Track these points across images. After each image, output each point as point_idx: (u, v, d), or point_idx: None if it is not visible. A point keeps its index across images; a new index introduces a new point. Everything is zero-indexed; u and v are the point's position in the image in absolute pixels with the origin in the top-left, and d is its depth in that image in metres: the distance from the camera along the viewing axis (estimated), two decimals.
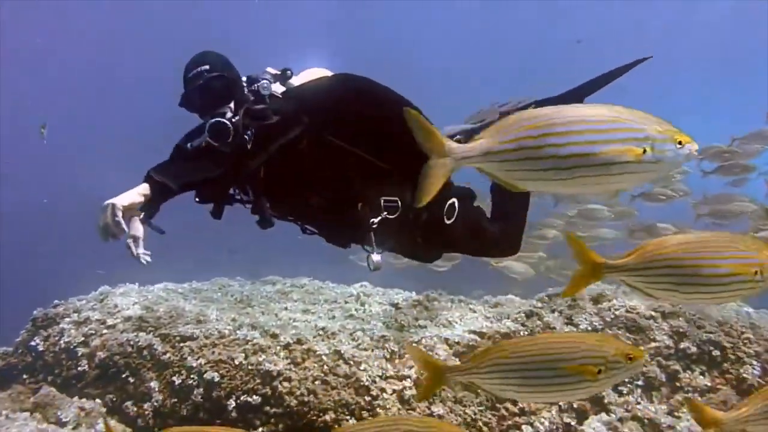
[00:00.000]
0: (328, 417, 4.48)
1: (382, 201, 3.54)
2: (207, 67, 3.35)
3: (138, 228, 3.10)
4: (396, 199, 3.57)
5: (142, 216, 3.18)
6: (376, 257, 3.59)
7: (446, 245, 4.07)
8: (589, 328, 5.00)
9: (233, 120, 3.28)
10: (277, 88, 3.51)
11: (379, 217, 3.52)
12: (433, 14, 26.84)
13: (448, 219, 3.72)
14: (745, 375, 4.56)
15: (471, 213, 3.93)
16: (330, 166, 3.49)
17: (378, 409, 4.50)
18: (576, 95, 4.20)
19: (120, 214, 2.91)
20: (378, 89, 3.60)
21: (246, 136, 3.29)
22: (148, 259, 3.10)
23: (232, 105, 3.34)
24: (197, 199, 3.45)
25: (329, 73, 3.77)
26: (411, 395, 4.58)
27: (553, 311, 5.31)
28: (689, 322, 4.88)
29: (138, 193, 3.07)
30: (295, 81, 3.62)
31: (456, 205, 3.74)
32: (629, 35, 21.90)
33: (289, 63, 3.61)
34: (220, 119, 3.27)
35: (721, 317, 4.92)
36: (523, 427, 4.44)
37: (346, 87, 3.58)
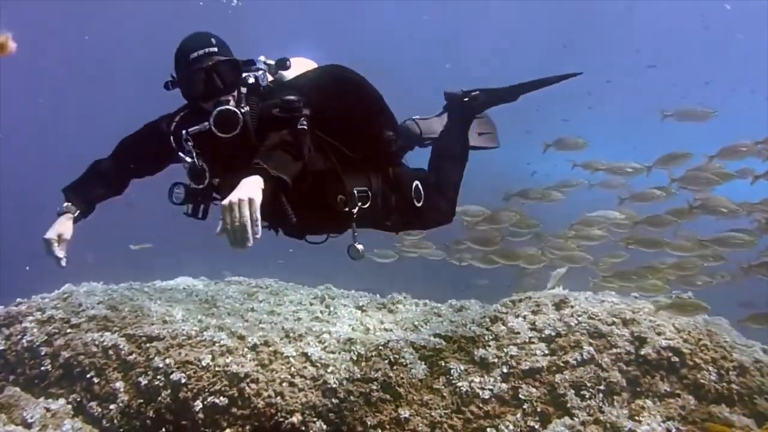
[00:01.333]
0: (295, 419, 4.51)
1: (356, 192, 3.67)
2: (215, 49, 3.32)
3: (67, 230, 3.34)
4: (365, 188, 3.73)
5: (76, 215, 3.41)
6: (359, 246, 3.71)
7: (413, 225, 4.22)
8: (553, 334, 5.09)
9: (242, 110, 3.29)
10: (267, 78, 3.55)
11: (356, 208, 3.65)
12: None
13: (418, 202, 3.97)
14: (702, 380, 4.69)
15: (429, 190, 4.11)
16: (320, 159, 3.53)
17: (345, 412, 4.53)
18: (515, 91, 4.60)
19: (54, 246, 3.25)
20: (360, 83, 3.74)
21: (250, 127, 3.31)
22: (63, 264, 3.30)
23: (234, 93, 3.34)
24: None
25: (314, 64, 3.83)
26: (378, 397, 4.62)
27: (517, 316, 5.40)
28: (649, 329, 5.00)
29: (67, 219, 3.39)
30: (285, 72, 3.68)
31: (420, 187, 3.97)
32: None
33: (271, 53, 3.63)
34: (228, 107, 3.25)
35: (679, 324, 5.05)
36: (488, 430, 4.51)
37: (337, 82, 3.69)
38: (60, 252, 3.28)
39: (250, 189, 2.72)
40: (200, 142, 3.34)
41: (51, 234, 3.31)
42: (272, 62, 3.57)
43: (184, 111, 3.54)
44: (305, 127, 3.23)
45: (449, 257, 7.83)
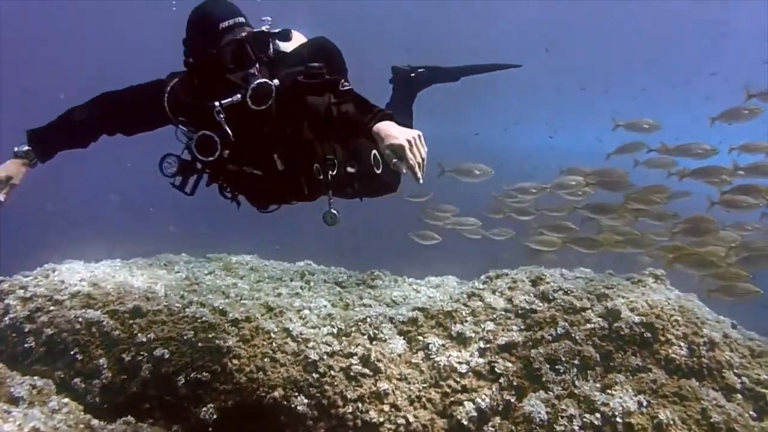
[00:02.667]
0: (277, 393, 4.59)
1: (326, 159, 3.82)
2: (243, 19, 3.35)
3: (18, 176, 3.34)
4: (332, 157, 3.86)
5: (32, 163, 3.40)
6: (334, 211, 3.87)
7: (374, 192, 4.29)
8: (529, 309, 5.20)
9: (275, 83, 3.33)
10: None
11: (329, 174, 3.80)
12: None
13: (377, 169, 4.08)
14: (673, 355, 4.81)
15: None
16: (309, 128, 3.67)
17: (326, 386, 4.62)
18: (457, 73, 4.76)
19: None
20: (336, 51, 3.90)
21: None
22: (1, 198, 3.26)
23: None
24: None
25: (304, 38, 3.90)
26: (358, 372, 4.71)
27: (494, 292, 5.50)
28: (623, 305, 5.11)
29: (22, 164, 3.37)
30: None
31: (377, 155, 4.06)
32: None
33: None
34: (265, 81, 3.31)
35: (652, 301, 5.17)
36: (465, 403, 4.61)
37: (323, 51, 3.84)
38: (2, 195, 3.25)
39: (408, 129, 2.88)
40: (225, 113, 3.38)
41: (1, 174, 3.28)
42: (276, 32, 3.57)
43: (178, 79, 3.54)
44: (351, 87, 3.34)
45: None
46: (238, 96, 3.29)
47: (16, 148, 3.40)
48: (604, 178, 7.36)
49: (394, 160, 2.82)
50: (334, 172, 3.85)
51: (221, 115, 3.33)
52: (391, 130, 2.86)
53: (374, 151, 4.05)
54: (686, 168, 7.29)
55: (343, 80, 3.36)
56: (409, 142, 2.77)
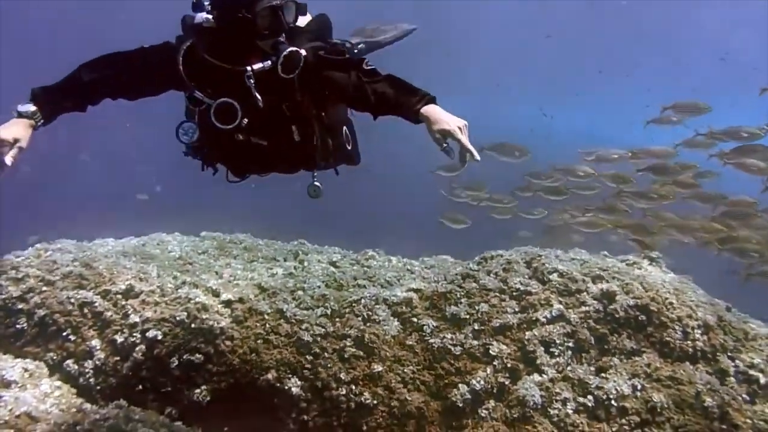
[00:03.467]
0: (270, 375, 4.58)
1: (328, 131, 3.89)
2: None
3: (25, 138, 3.11)
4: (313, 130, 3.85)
5: (38, 125, 3.20)
6: (317, 184, 4.01)
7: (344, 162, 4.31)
8: (523, 291, 5.17)
9: (303, 52, 3.33)
10: None
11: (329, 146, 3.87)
12: None
13: (349, 145, 4.12)
14: (668, 338, 4.81)
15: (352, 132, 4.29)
16: (322, 102, 3.71)
17: (319, 369, 4.61)
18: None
19: (5, 147, 2.99)
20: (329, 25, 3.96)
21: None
22: (8, 166, 3.02)
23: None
24: None
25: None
26: (351, 354, 4.70)
27: (488, 273, 5.47)
28: (618, 287, 5.09)
29: (29, 125, 3.15)
30: None
31: (347, 131, 4.13)
32: None
33: None
34: (295, 49, 3.30)
35: (647, 283, 5.15)
36: (460, 385, 4.61)
37: (330, 33, 3.92)
38: (9, 158, 3.02)
39: (454, 116, 3.10)
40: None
41: (7, 134, 3.04)
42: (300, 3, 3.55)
43: (191, 42, 3.46)
44: (374, 66, 3.41)
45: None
46: (269, 62, 3.27)
47: (20, 107, 3.19)
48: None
49: (444, 145, 3.04)
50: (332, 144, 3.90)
51: (251, 81, 3.29)
52: (441, 115, 3.06)
53: (344, 127, 4.11)
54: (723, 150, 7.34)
55: (366, 60, 3.41)
56: (459, 128, 3.00)
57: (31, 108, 3.20)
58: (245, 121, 3.42)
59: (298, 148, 3.70)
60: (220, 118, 3.38)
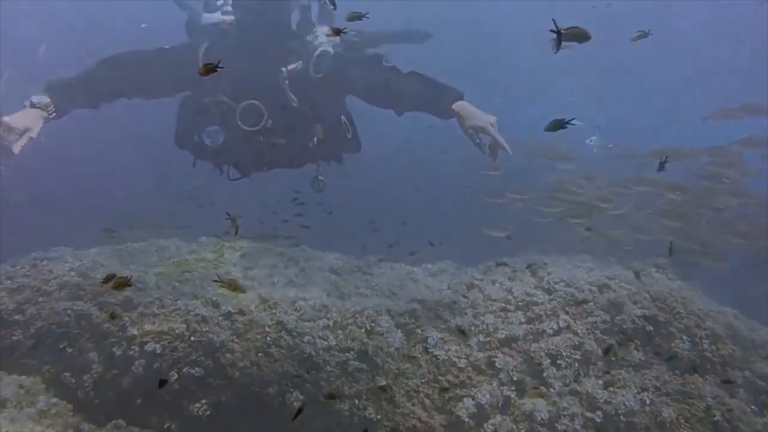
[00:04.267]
0: (272, 389, 4.49)
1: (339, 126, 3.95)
2: None
3: (36, 129, 3.07)
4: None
5: (51, 117, 3.13)
6: (321, 178, 4.06)
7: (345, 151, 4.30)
8: (529, 302, 5.10)
9: (331, 50, 3.36)
10: None
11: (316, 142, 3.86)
12: None
13: (348, 134, 4.09)
14: (676, 349, 4.74)
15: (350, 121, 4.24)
16: (339, 99, 3.88)
17: (321, 382, 4.53)
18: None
19: (14, 134, 2.92)
20: None
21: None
22: (15, 153, 2.96)
23: None
24: None
25: None
26: (355, 367, 4.62)
27: (493, 283, 5.39)
28: (625, 297, 5.02)
29: (41, 116, 3.10)
30: None
31: (344, 120, 4.08)
32: None
33: None
34: (328, 49, 3.36)
35: (654, 293, 5.08)
36: (465, 399, 4.54)
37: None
38: (17, 147, 2.97)
39: (484, 113, 3.19)
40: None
41: (18, 123, 2.97)
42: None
43: (209, 43, 3.39)
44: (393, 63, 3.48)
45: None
46: (300, 62, 3.25)
47: (33, 98, 3.14)
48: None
49: (477, 140, 3.14)
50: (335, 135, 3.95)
51: (286, 81, 3.26)
52: (473, 112, 3.15)
53: (342, 117, 4.07)
54: None
55: (384, 57, 3.47)
56: (495, 123, 3.09)
57: (45, 99, 3.15)
58: (270, 122, 3.39)
59: (324, 145, 3.79)
60: (246, 120, 3.34)
